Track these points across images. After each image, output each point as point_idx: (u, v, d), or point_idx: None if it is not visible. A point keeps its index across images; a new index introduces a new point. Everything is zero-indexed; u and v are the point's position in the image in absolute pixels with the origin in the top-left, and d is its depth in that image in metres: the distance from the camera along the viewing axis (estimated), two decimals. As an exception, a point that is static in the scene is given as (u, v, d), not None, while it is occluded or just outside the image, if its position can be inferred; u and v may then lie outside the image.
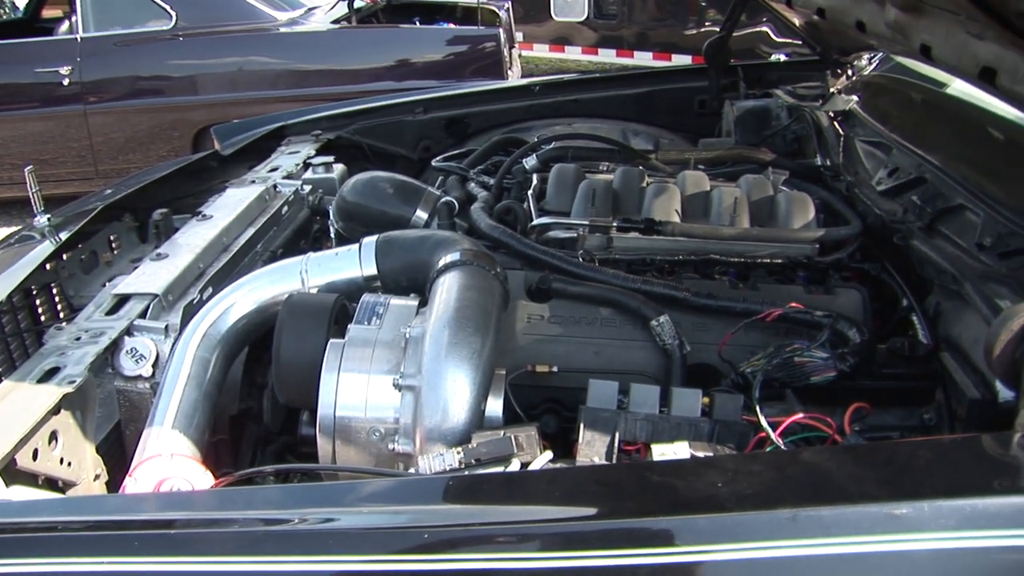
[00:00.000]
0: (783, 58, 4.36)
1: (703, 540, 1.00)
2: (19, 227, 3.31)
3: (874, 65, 3.17)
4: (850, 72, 3.18)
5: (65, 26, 7.03)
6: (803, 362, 1.69)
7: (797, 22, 3.17)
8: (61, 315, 2.21)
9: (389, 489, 1.31)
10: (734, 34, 3.48)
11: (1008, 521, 1.01)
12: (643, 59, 9.64)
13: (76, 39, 6.37)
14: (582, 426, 1.57)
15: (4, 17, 11.89)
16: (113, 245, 2.52)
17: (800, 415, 1.53)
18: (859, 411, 1.59)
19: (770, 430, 1.50)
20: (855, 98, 2.93)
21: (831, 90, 3.09)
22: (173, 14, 6.28)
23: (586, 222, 2.19)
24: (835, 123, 2.84)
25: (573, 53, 10.36)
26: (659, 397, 1.61)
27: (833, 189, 2.55)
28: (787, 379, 1.69)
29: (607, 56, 10.01)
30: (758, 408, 1.57)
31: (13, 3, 14.26)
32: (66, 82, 6.29)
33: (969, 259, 1.86)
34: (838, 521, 1.00)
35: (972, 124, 2.21)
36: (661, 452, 1.44)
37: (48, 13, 8.63)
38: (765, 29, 7.95)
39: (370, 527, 1.11)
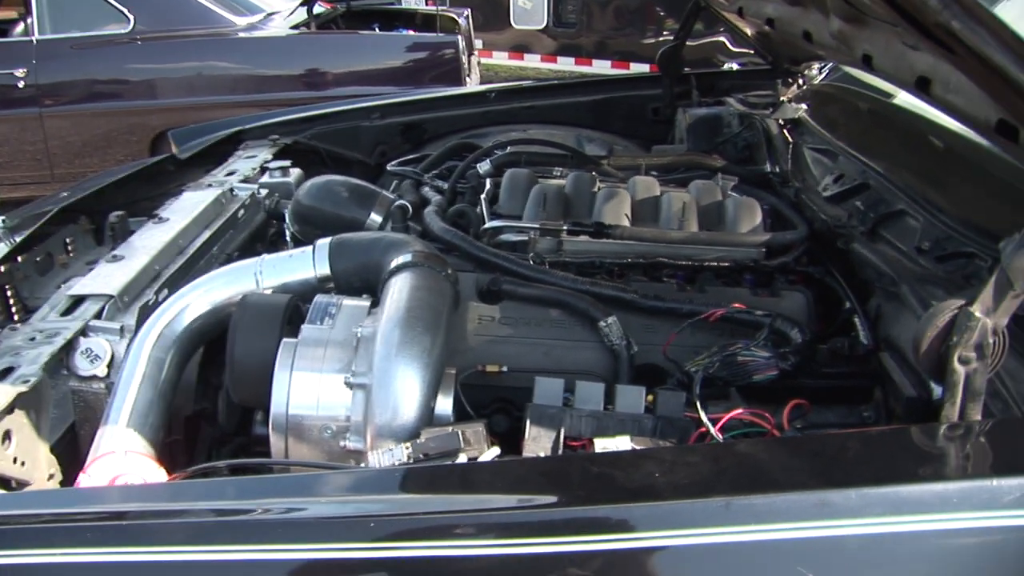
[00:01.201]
0: (736, 67, 4.43)
1: (641, 527, 1.04)
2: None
3: (824, 75, 3.24)
4: (800, 81, 3.25)
5: (20, 28, 6.97)
6: (745, 361, 1.74)
7: (749, 32, 3.23)
8: (15, 316, 2.21)
9: (340, 482, 1.34)
10: (691, 43, 3.53)
11: (933, 507, 1.06)
12: (602, 67, 9.74)
13: (32, 41, 6.31)
14: (528, 422, 1.61)
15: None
16: (69, 247, 2.52)
17: (739, 411, 1.58)
18: (799, 408, 1.64)
19: (710, 425, 1.55)
20: (804, 107, 3.00)
21: (781, 99, 3.15)
22: (131, 18, 6.24)
23: (537, 225, 2.23)
24: (784, 131, 2.90)
25: (532, 61, 10.43)
26: (604, 395, 1.66)
27: (781, 195, 2.61)
28: (730, 377, 1.74)
29: (566, 64, 10.10)
30: (698, 404, 1.61)
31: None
32: (21, 84, 6.22)
33: (908, 262, 1.92)
34: (770, 509, 1.05)
35: (915, 133, 2.27)
36: (603, 446, 1.48)
37: (1, 15, 8.57)
38: (722, 39, 8.06)
39: (321, 516, 1.14)
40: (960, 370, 1.25)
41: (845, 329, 2.02)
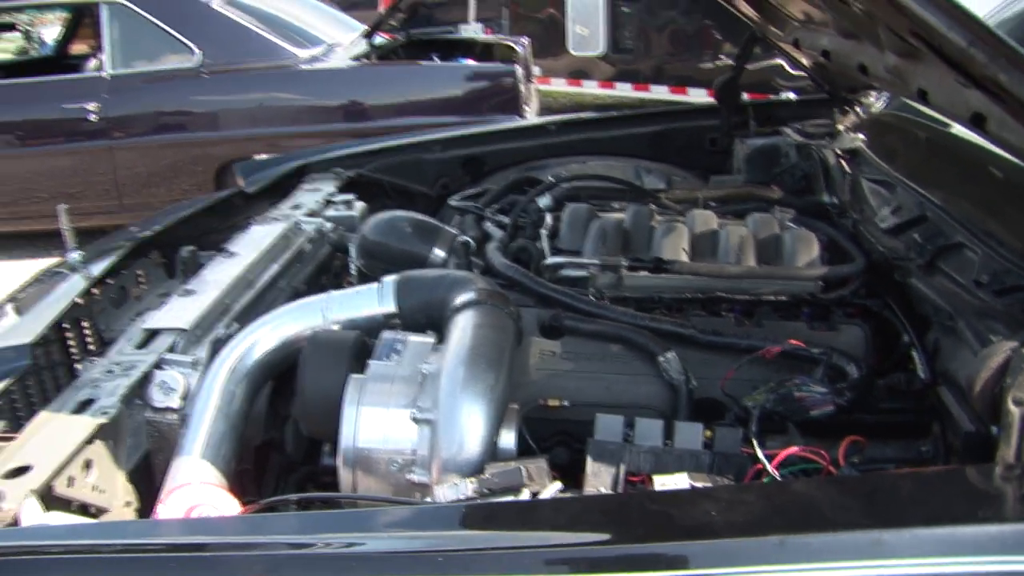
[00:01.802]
0: (793, 96, 4.43)
1: (697, 565, 1.07)
2: (48, 259, 3.40)
3: (882, 103, 3.24)
4: (859, 110, 3.25)
5: (93, 63, 7.18)
6: (802, 396, 1.76)
7: (805, 62, 3.24)
8: (91, 348, 2.29)
9: (407, 516, 1.39)
10: (750, 67, 3.55)
11: (988, 549, 1.08)
12: (659, 92, 9.73)
13: (103, 76, 6.51)
14: (589, 458, 1.65)
15: (32, 54, 12.09)
16: (141, 281, 2.60)
17: (796, 448, 1.60)
18: (855, 444, 1.66)
19: (766, 462, 1.58)
20: (862, 136, 3.00)
21: (839, 128, 3.16)
22: (197, 52, 6.40)
23: (597, 261, 2.27)
24: (842, 161, 2.91)
25: (590, 87, 10.46)
26: (663, 430, 1.69)
27: (839, 226, 2.62)
28: (788, 413, 1.76)
29: (624, 90, 10.11)
30: (755, 441, 1.64)
31: (41, 39, 14.50)
32: (93, 118, 6.41)
33: (967, 295, 1.92)
34: (823, 547, 1.08)
35: (973, 163, 2.27)
36: (662, 483, 1.51)
37: (75, 51, 8.83)
38: (780, 62, 8.04)
39: (390, 551, 1.18)
40: (1015, 411, 1.26)
41: (903, 363, 2.03)
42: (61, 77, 7.07)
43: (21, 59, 10.58)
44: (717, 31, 9.23)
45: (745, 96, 3.71)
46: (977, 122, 1.65)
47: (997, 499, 1.24)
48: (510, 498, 1.46)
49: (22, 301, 2.49)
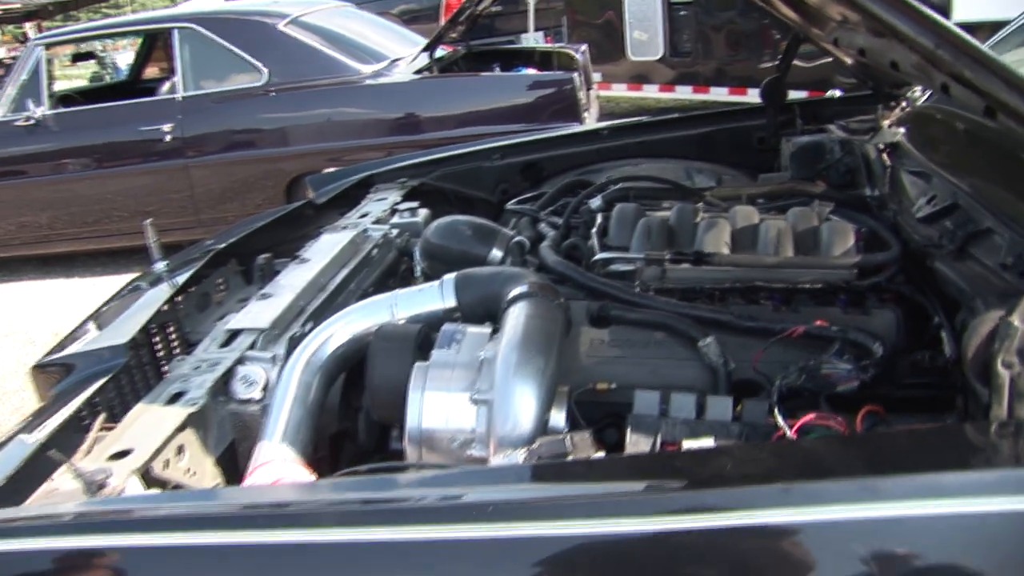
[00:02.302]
0: (838, 94, 4.53)
1: (711, 508, 1.22)
2: (131, 273, 3.62)
3: (926, 97, 3.33)
4: (904, 104, 3.35)
5: (167, 86, 7.47)
6: (828, 373, 1.89)
7: (848, 60, 3.35)
8: (177, 349, 2.49)
9: (460, 476, 1.57)
10: (807, 65, 3.64)
11: (976, 490, 1.20)
12: (719, 94, 9.78)
13: (177, 98, 6.79)
14: (629, 430, 1.80)
15: (109, 79, 12.52)
16: (221, 287, 2.80)
17: (812, 415, 1.74)
18: (874, 414, 1.79)
19: (786, 427, 1.71)
20: (902, 130, 3.10)
21: (882, 123, 3.26)
22: (265, 71, 6.66)
23: (642, 256, 2.42)
24: (883, 155, 3.01)
25: (650, 91, 10.55)
26: (696, 404, 1.84)
27: (879, 217, 2.73)
28: (816, 389, 1.89)
29: (683, 93, 10.18)
30: (775, 410, 1.78)
31: (115, 65, 14.97)
32: (168, 138, 6.70)
33: (993, 277, 2.03)
34: (823, 492, 1.21)
35: (1006, 152, 2.36)
36: (690, 447, 1.67)
37: (150, 75, 9.17)
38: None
39: (445, 505, 1.36)
40: (1004, 373, 1.39)
41: (934, 343, 2.15)
42: (138, 101, 7.38)
43: (99, 85, 10.97)
44: (776, 30, 9.25)
45: (805, 95, 3.80)
46: (989, 113, 1.76)
47: (989, 450, 1.37)
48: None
49: (105, 315, 2.71)
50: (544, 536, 1.23)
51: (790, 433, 1.71)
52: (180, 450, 1.89)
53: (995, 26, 3.24)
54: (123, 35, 11.11)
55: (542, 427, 1.77)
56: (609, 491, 1.32)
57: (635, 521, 1.22)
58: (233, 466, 2.06)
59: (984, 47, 1.35)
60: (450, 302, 2.17)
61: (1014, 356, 1.39)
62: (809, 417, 1.72)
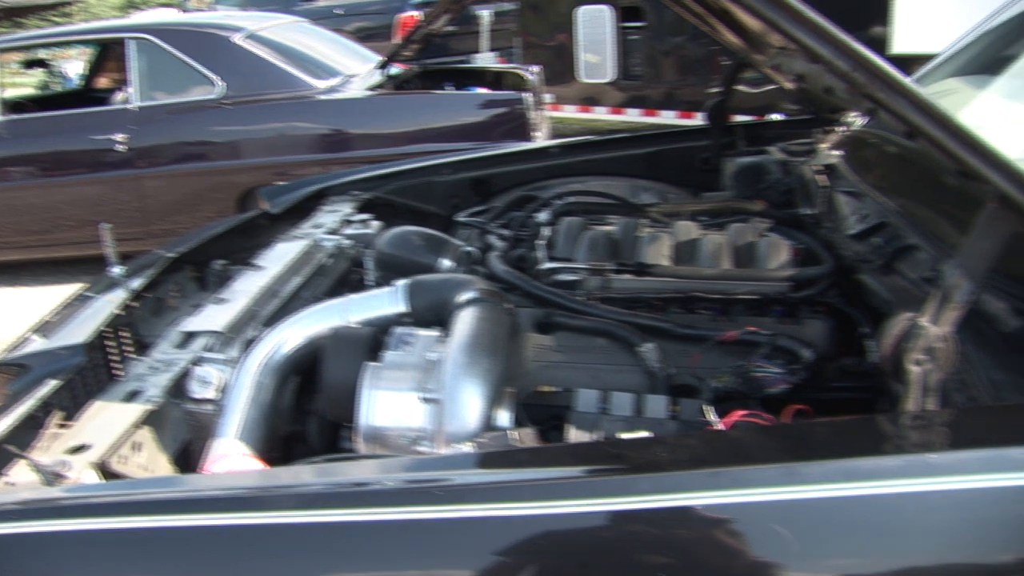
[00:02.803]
0: (779, 117, 4.67)
1: (644, 492, 1.32)
2: (79, 283, 3.64)
3: (861, 120, 3.47)
4: (841, 128, 3.48)
5: (120, 96, 7.47)
6: (760, 376, 2.00)
7: (789, 86, 3.48)
8: (130, 354, 2.53)
9: (409, 462, 1.67)
10: (756, 91, 3.76)
11: (887, 474, 1.32)
12: (668, 117, 9.91)
13: (130, 109, 6.80)
14: (570, 426, 1.90)
15: (56, 88, 12.43)
16: (176, 293, 2.84)
17: (742, 412, 1.84)
18: (800, 412, 1.90)
19: (718, 423, 1.82)
20: (838, 152, 3.24)
21: (819, 146, 3.40)
22: (220, 84, 6.68)
23: (587, 266, 2.52)
24: (820, 175, 3.15)
25: (601, 113, 10.66)
26: (634, 403, 1.94)
27: (815, 234, 2.86)
28: (748, 391, 2.00)
29: (633, 115, 10.30)
30: (706, 407, 1.89)
31: (64, 73, 14.84)
32: (121, 148, 6.69)
33: (917, 290, 2.15)
34: (746, 476, 1.32)
35: (928, 172, 2.48)
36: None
37: (103, 85, 9.14)
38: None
39: (396, 488, 1.44)
40: (914, 371, 1.51)
41: (862, 351, 2.27)
42: (90, 110, 7.36)
43: (49, 93, 10.89)
44: (724, 56, 9.41)
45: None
46: (910, 136, 1.88)
47: (900, 439, 1.48)
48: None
49: (53, 322, 2.75)
50: (490, 517, 1.32)
51: (720, 425, 1.81)
52: (136, 447, 1.94)
53: (931, 59, 3.40)
54: (78, 43, 11.05)
55: (488, 425, 1.86)
56: (552, 475, 1.42)
57: (576, 503, 1.32)
58: (187, 465, 2.12)
59: (895, 71, 1.46)
60: (402, 307, 2.25)
61: (923, 354, 1.51)
62: (739, 414, 1.83)
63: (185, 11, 20.96)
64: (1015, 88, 2.85)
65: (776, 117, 4.86)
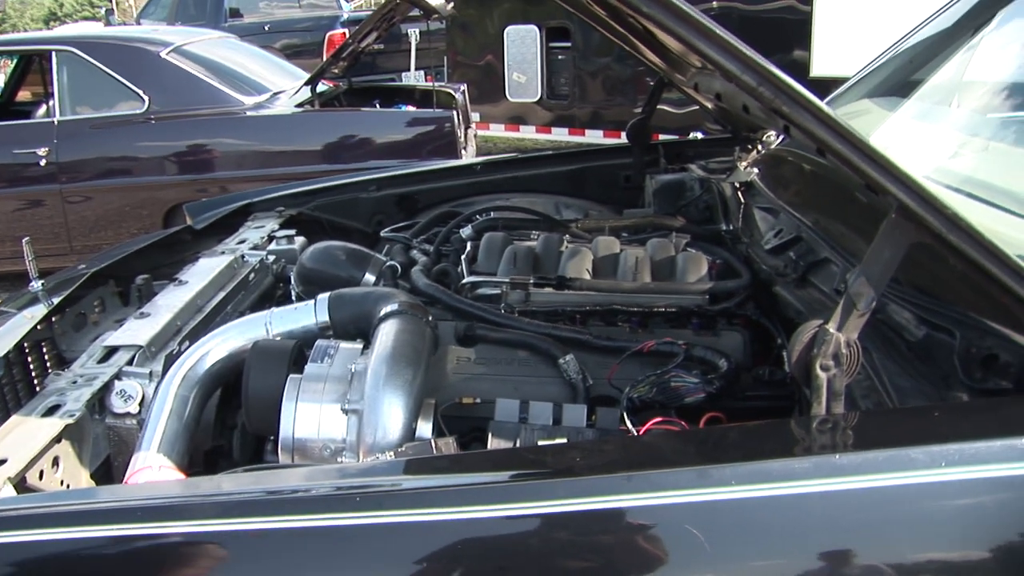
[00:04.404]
0: (700, 136, 4.76)
1: (562, 496, 1.36)
2: (1, 297, 3.60)
3: (780, 140, 3.56)
4: (760, 147, 3.57)
5: (42, 109, 7.37)
6: (677, 386, 2.05)
7: (708, 105, 3.56)
8: (49, 367, 2.51)
9: (330, 471, 1.68)
10: (679, 111, 3.83)
11: (796, 475, 1.37)
12: (594, 137, 10.06)
13: (53, 122, 6.71)
14: (490, 435, 1.93)
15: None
16: (98, 308, 2.83)
17: (658, 419, 1.89)
18: (715, 419, 1.95)
19: (633, 430, 1.86)
20: (756, 170, 3.32)
21: (738, 163, 3.47)
22: (146, 98, 6.64)
23: (507, 280, 2.56)
24: (738, 192, 3.22)
25: (528, 132, 10.77)
26: (553, 412, 1.98)
27: (733, 250, 2.93)
28: (666, 400, 2.04)
29: (560, 135, 10.42)
30: (624, 416, 1.93)
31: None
32: (43, 163, 6.60)
33: (828, 302, 2.22)
34: (661, 480, 1.36)
35: (840, 188, 2.56)
36: (546, 446, 1.81)
37: (25, 97, 8.99)
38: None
39: (319, 495, 1.46)
40: (822, 376, 1.57)
41: (778, 361, 2.33)
42: (12, 123, 7.26)
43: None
44: (649, 77, 9.55)
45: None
46: (821, 152, 1.94)
47: (809, 442, 1.54)
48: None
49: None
50: (410, 523, 1.35)
51: (636, 433, 1.86)
52: (55, 462, 1.93)
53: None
54: None
55: (409, 436, 1.88)
56: (471, 481, 1.45)
57: (495, 508, 1.35)
58: (108, 481, 2.11)
59: (799, 86, 1.52)
60: (324, 320, 2.26)
61: (830, 360, 1.57)
62: (654, 421, 1.87)
63: (109, 24, 20.74)
64: (921, 109, 2.96)
65: (697, 136, 4.93)
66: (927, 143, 2.85)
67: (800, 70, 7.69)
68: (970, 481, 1.37)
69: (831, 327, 1.58)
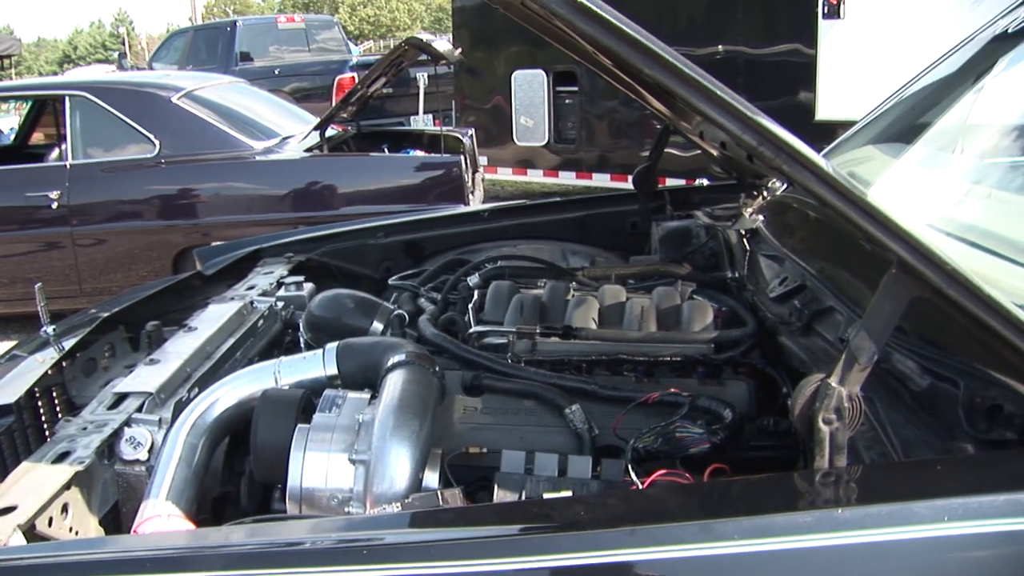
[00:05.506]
0: (706, 182, 4.80)
1: (566, 550, 1.37)
2: (7, 341, 3.63)
3: (785, 187, 3.58)
4: (765, 194, 3.59)
5: (55, 153, 7.44)
6: (682, 437, 2.06)
7: (714, 152, 3.59)
8: (59, 413, 2.52)
9: (337, 524, 1.69)
10: (686, 155, 3.83)
11: (799, 529, 1.38)
12: (601, 180, 10.13)
13: (65, 166, 6.78)
14: (496, 487, 1.94)
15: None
16: (108, 353, 2.85)
17: (662, 471, 1.90)
18: (720, 471, 1.96)
19: (638, 483, 1.87)
20: (761, 217, 3.34)
21: (743, 210, 3.49)
22: (156, 143, 6.70)
23: (514, 330, 2.58)
24: (743, 240, 3.24)
25: (535, 176, 10.84)
26: (559, 464, 1.99)
27: (738, 297, 2.95)
28: (671, 451, 2.05)
29: (567, 178, 10.51)
30: (629, 468, 1.94)
31: (-3, 129, 14.68)
32: (55, 205, 6.66)
33: (833, 351, 2.24)
34: (663, 534, 1.37)
35: (844, 237, 2.57)
36: (551, 498, 1.83)
37: (38, 140, 9.09)
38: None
39: (325, 548, 1.48)
40: (825, 429, 1.58)
41: (783, 411, 2.34)
42: (24, 166, 7.35)
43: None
44: (656, 121, 9.59)
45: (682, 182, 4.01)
46: (822, 205, 1.96)
47: (812, 495, 1.55)
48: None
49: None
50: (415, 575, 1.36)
51: (641, 486, 1.87)
52: (65, 509, 1.94)
53: (853, 125, 3.54)
54: (13, 99, 10.99)
55: (416, 486, 1.88)
56: (477, 535, 1.46)
57: (501, 561, 1.36)
58: (116, 527, 2.12)
59: (800, 144, 1.55)
60: (332, 369, 2.28)
61: (832, 413, 1.58)
62: (659, 473, 1.88)
63: (122, 68, 20.98)
64: (925, 156, 2.98)
65: (703, 182, 4.97)
66: (930, 190, 2.88)
67: (805, 113, 7.77)
68: (974, 536, 1.38)
69: (833, 381, 1.59)
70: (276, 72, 15.02)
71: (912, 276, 1.55)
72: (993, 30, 3.03)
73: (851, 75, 7.57)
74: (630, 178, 8.27)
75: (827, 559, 1.37)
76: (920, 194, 2.86)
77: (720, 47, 8.79)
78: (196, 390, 2.37)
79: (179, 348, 2.57)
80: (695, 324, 2.62)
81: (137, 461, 2.15)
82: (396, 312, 2.79)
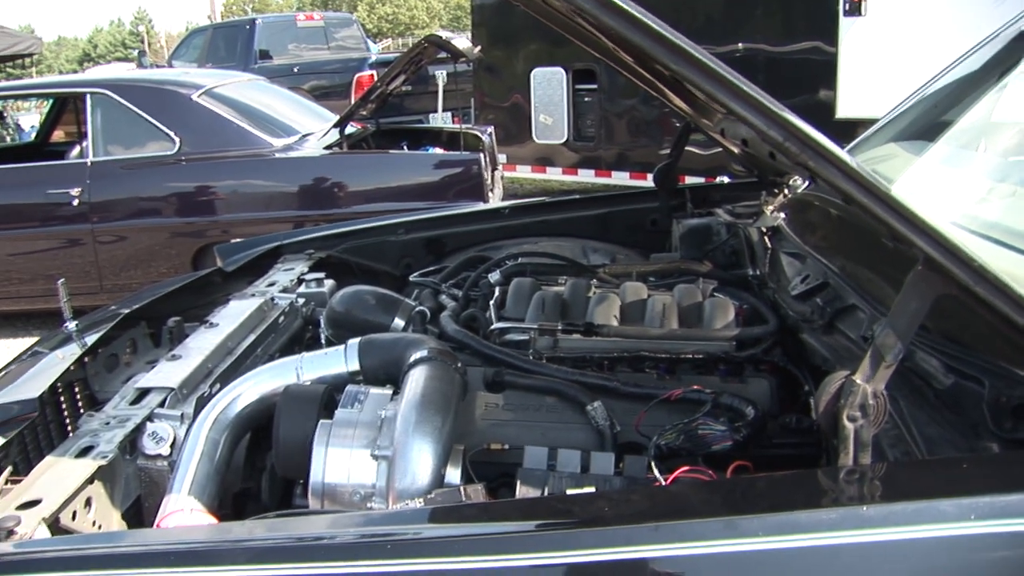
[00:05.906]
0: (726, 180, 4.78)
1: (590, 546, 1.37)
2: (30, 337, 3.65)
3: (806, 184, 3.56)
4: (786, 191, 3.57)
5: (76, 150, 7.48)
6: (705, 434, 2.05)
7: (734, 150, 3.57)
8: (81, 408, 2.54)
9: (360, 518, 1.70)
10: (705, 153, 3.83)
11: (823, 526, 1.37)
12: (620, 178, 10.09)
13: (86, 163, 6.81)
14: (519, 483, 1.93)
15: (11, 141, 12.40)
16: (130, 349, 2.86)
17: (685, 468, 1.89)
18: (743, 468, 1.96)
19: (661, 479, 1.87)
20: (782, 215, 3.32)
21: (764, 208, 3.47)
22: (177, 140, 6.72)
23: (536, 326, 2.58)
24: (765, 237, 3.23)
25: (554, 173, 10.82)
26: (581, 460, 1.99)
27: (760, 295, 2.94)
28: (693, 448, 2.05)
29: (586, 176, 10.48)
30: (652, 464, 1.93)
31: (18, 126, 14.78)
32: (75, 202, 6.69)
33: (855, 349, 2.23)
34: (688, 530, 1.36)
35: (867, 235, 2.56)
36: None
37: (59, 138, 9.14)
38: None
39: (349, 542, 1.48)
40: (849, 427, 1.57)
41: (805, 408, 2.33)
42: (46, 163, 7.39)
43: (4, 146, 10.87)
44: (675, 118, 9.58)
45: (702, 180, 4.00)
46: (848, 200, 1.95)
47: (836, 493, 1.54)
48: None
49: (6, 378, 2.75)
50: (439, 571, 1.36)
51: (664, 482, 1.86)
52: (88, 502, 1.95)
53: (874, 123, 3.52)
54: (35, 97, 11.06)
55: (438, 482, 1.89)
56: (500, 530, 1.46)
57: (523, 557, 1.36)
58: (139, 522, 2.13)
59: (825, 139, 1.54)
60: (353, 365, 2.28)
61: (857, 411, 1.58)
62: (682, 470, 1.87)
63: (142, 66, 21.07)
64: (948, 154, 2.96)
65: (724, 179, 4.96)
66: (954, 188, 2.86)
67: (826, 111, 7.73)
68: (1001, 535, 1.37)
69: (858, 378, 1.59)
70: (295, 70, 15.06)
71: (938, 273, 1.54)
72: (1017, 27, 3.01)
73: (872, 73, 7.53)
74: (649, 176, 8.26)
75: (852, 556, 1.36)
76: (943, 192, 2.84)
77: (740, 45, 8.75)
78: (218, 386, 2.38)
79: (200, 344, 2.58)
80: (717, 321, 2.61)
81: (159, 456, 2.16)
82: (417, 308, 2.79)
